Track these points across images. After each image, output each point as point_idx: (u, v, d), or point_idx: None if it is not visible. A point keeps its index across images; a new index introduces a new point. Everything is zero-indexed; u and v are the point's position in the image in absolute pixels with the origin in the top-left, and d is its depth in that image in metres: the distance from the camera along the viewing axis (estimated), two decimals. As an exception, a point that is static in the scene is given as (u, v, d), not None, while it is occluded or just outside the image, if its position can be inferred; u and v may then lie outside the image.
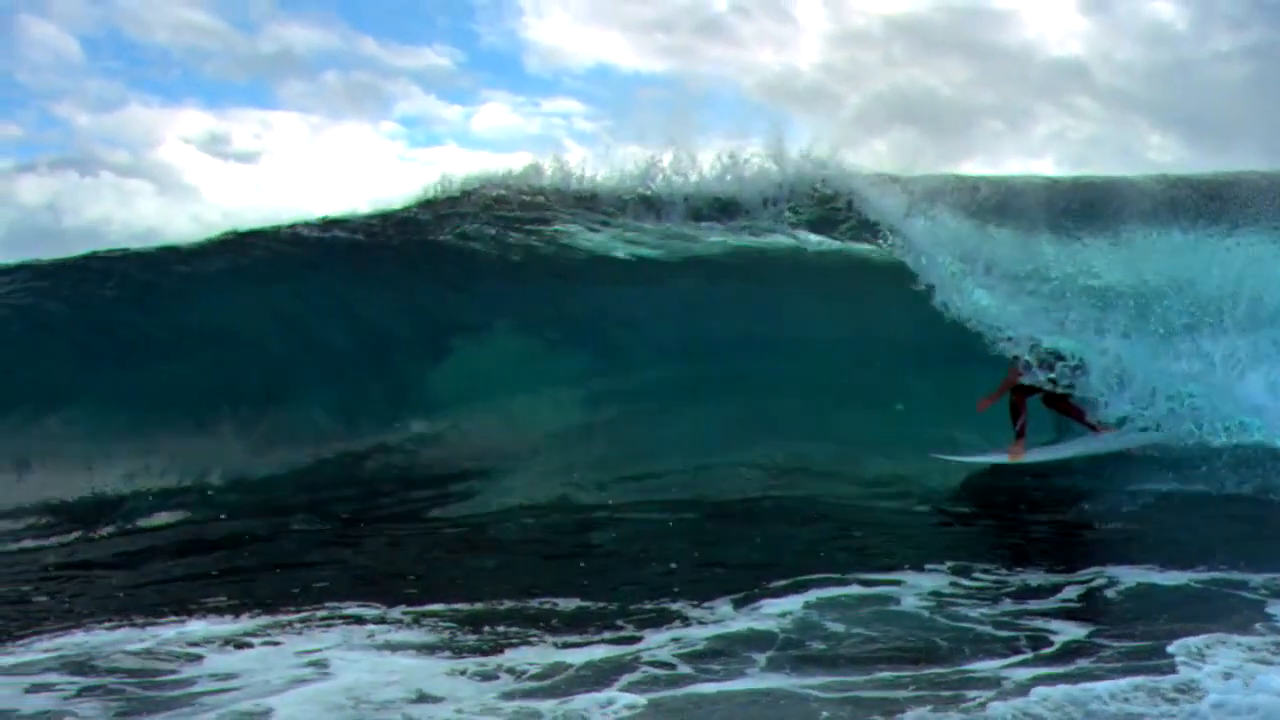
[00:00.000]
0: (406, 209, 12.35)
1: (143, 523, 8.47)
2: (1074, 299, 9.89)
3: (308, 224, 11.53)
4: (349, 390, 10.09)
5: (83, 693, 5.04)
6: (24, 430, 9.15)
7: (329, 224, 11.57)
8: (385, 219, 11.96)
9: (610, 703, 4.78)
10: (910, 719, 4.69)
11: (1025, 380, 9.26)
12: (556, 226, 11.85)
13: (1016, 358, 9.35)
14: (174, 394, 9.56)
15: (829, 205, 11.78)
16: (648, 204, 11.63)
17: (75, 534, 8.19)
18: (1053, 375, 9.30)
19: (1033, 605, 6.14)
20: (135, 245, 11.74)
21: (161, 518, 8.58)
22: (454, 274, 10.94)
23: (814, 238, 11.55)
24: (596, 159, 12.32)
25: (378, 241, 11.24)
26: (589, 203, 11.88)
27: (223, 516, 8.50)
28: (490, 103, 42.10)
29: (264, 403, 9.83)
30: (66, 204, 31.67)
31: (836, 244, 11.49)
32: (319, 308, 10.51)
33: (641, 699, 4.79)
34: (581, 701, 4.77)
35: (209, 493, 8.95)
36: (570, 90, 41.72)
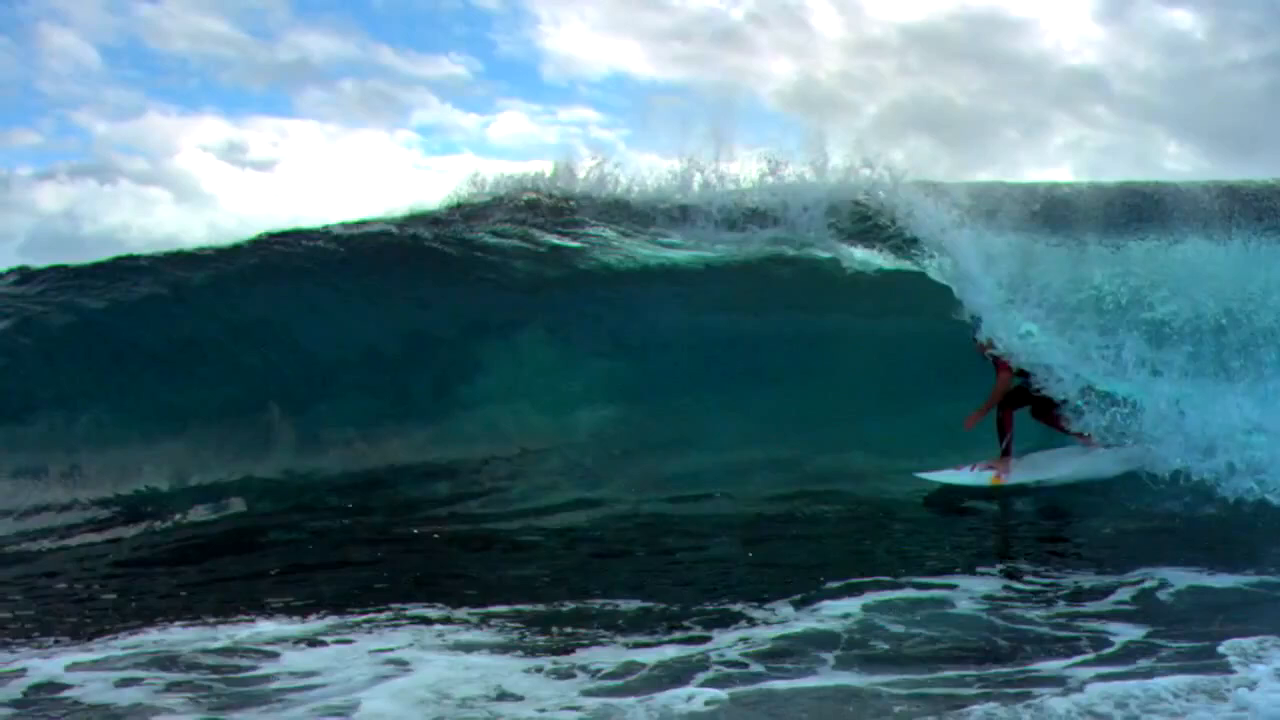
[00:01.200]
0: (441, 210, 12.44)
1: (194, 521, 8.58)
2: (1127, 332, 9.30)
3: (344, 225, 11.66)
4: (391, 392, 10.19)
5: (171, 688, 5.17)
6: (75, 429, 9.28)
7: (364, 224, 11.69)
8: (421, 219, 12.08)
9: (691, 698, 4.91)
10: (979, 713, 4.82)
11: (991, 352, 9.10)
12: (590, 230, 11.97)
13: (990, 341, 9.16)
14: (220, 394, 9.68)
15: (870, 220, 11.58)
16: (683, 211, 11.66)
17: (131, 532, 8.32)
18: (1041, 387, 9.01)
19: (1088, 607, 6.26)
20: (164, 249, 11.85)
21: (208, 516, 8.70)
22: (494, 277, 11.07)
23: (857, 253, 11.33)
24: (630, 164, 12.36)
25: (419, 243, 11.37)
26: (622, 208, 11.96)
27: (271, 517, 8.63)
28: (507, 111, 42.38)
29: (306, 404, 9.94)
30: (85, 211, 31.94)
31: (876, 259, 11.28)
32: (358, 309, 10.62)
33: (723, 693, 4.93)
34: (663, 698, 4.89)
35: (255, 493, 9.05)
36: (587, 99, 41.94)
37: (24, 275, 11.85)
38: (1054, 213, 10.99)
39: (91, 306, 10.61)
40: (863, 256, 11.20)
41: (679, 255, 11.71)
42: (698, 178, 11.88)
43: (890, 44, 39.55)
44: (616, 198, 12.21)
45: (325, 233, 11.75)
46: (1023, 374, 9.14)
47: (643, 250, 11.74)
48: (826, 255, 11.30)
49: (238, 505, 8.76)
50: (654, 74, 40.92)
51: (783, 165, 11.92)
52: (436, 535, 8.18)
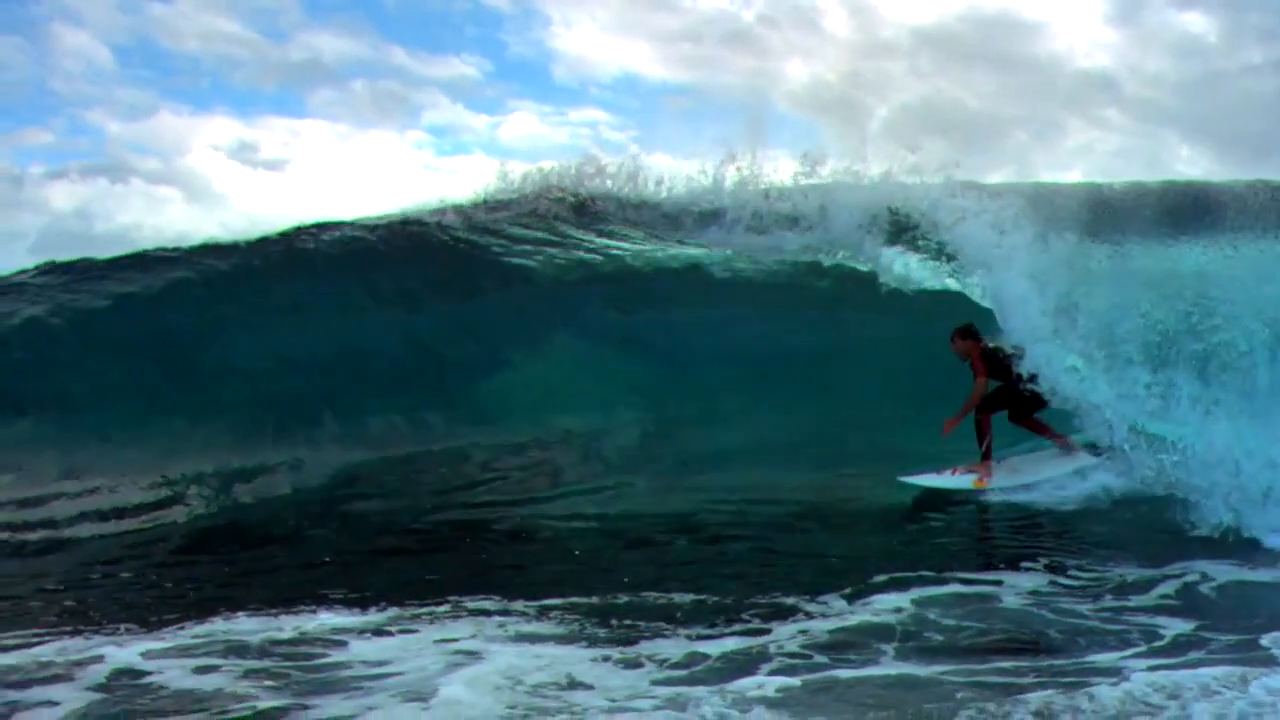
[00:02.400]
0: (469, 205, 12.56)
1: (242, 510, 8.70)
2: (1177, 365, 8.71)
3: (379, 220, 11.77)
4: (429, 386, 10.30)
5: (249, 675, 5.28)
6: (121, 417, 9.38)
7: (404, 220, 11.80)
8: (453, 213, 12.20)
9: (762, 686, 5.04)
10: (1037, 701, 4.95)
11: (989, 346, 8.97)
12: (623, 231, 12.11)
13: (968, 326, 9.03)
14: (263, 386, 9.82)
15: (907, 230, 11.36)
16: (713, 213, 11.69)
17: (182, 521, 8.45)
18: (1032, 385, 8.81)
19: (1134, 601, 6.40)
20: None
21: (254, 506, 8.81)
22: (527, 269, 11.21)
23: (895, 265, 11.07)
24: (658, 164, 12.36)
25: (451, 236, 11.51)
26: (653, 208, 12.06)
27: (315, 507, 8.74)
28: (517, 112, 42.66)
29: (342, 400, 10.06)
30: (97, 210, 32.12)
31: (915, 270, 11.04)
32: (394, 302, 10.78)
33: (795, 680, 5.06)
34: (735, 686, 5.02)
35: (299, 483, 9.15)
36: (597, 100, 42.24)
37: (54, 268, 11.96)
38: (1101, 217, 10.62)
39: (130, 296, 10.72)
40: (901, 270, 10.96)
41: (703, 253, 11.83)
42: (731, 177, 11.83)
43: (901, 46, 39.75)
44: (645, 198, 12.28)
45: (353, 226, 11.89)
46: (1008, 376, 9.04)
47: (670, 250, 11.86)
48: (865, 267, 11.18)
49: (284, 495, 8.88)
50: (664, 75, 41.20)
51: (820, 163, 11.89)
52: (481, 528, 8.31)
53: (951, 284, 10.71)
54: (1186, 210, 10.88)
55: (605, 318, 10.81)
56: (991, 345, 9.09)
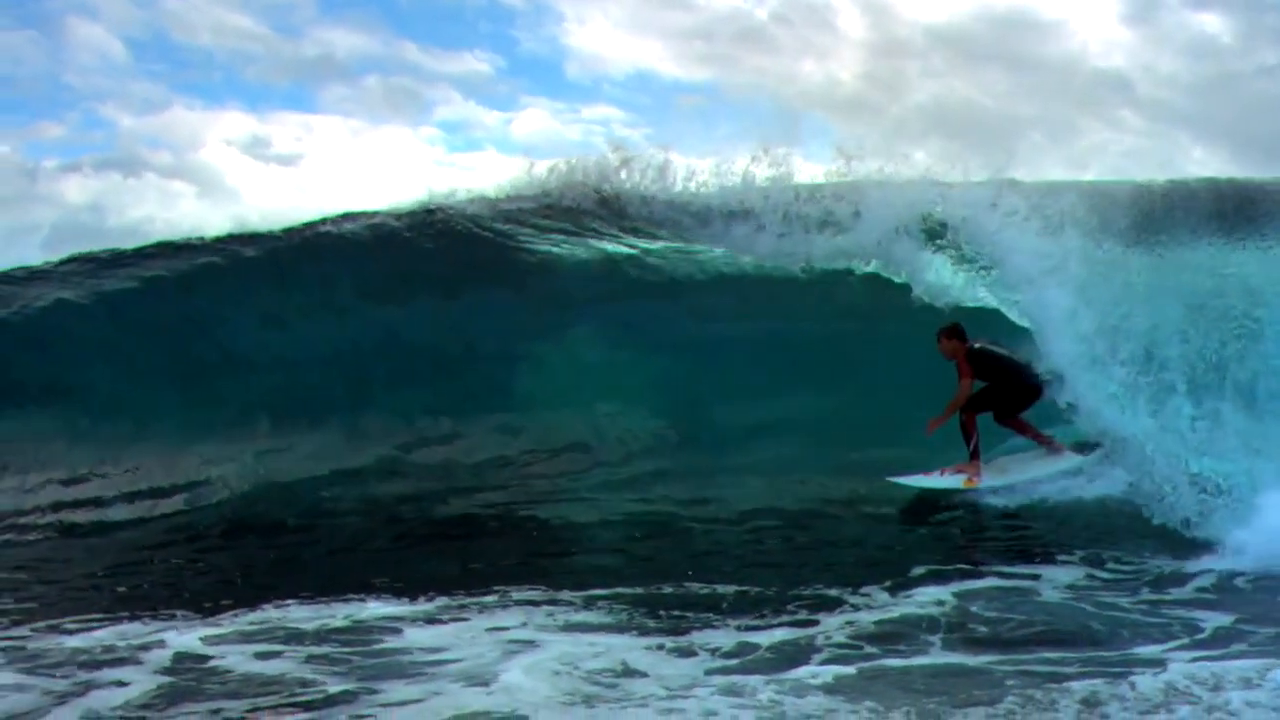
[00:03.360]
0: (494, 199, 12.61)
1: (279, 500, 8.77)
2: (1223, 394, 8.29)
3: (412, 209, 11.86)
4: (459, 379, 10.37)
5: (311, 659, 5.39)
6: (161, 409, 9.48)
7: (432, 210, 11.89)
8: (479, 203, 12.30)
9: (816, 675, 5.14)
10: (1084, 690, 5.04)
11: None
12: (646, 226, 12.18)
13: (955, 326, 8.90)
14: (298, 379, 9.92)
15: (940, 239, 10.87)
16: (744, 212, 11.64)
17: (225, 509, 8.61)
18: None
19: (1172, 594, 6.51)
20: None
21: (287, 497, 8.87)
22: (557, 264, 11.31)
23: (929, 272, 10.62)
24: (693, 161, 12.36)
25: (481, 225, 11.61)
26: (683, 206, 12.10)
27: (351, 500, 8.83)
28: (530, 109, 42.65)
29: (366, 393, 10.14)
30: (110, 204, 32.21)
31: (948, 278, 10.57)
32: (437, 293, 10.87)
33: (850, 669, 5.16)
34: (791, 675, 5.13)
35: (334, 474, 9.20)
36: (610, 97, 42.26)
37: (84, 260, 12.01)
38: (1143, 219, 10.14)
39: (160, 283, 10.74)
40: (935, 280, 10.55)
41: (733, 248, 11.86)
42: (761, 175, 11.78)
43: (915, 45, 39.73)
44: (672, 194, 12.33)
45: (388, 215, 11.97)
46: (994, 376, 8.98)
47: (698, 246, 11.93)
48: (899, 279, 10.85)
49: (322, 483, 8.97)
50: (677, 73, 41.22)
51: (856, 157, 11.60)
52: (519, 519, 8.44)
53: (987, 298, 10.41)
54: (1229, 212, 10.57)
55: (635, 309, 10.86)
56: (977, 345, 9.03)
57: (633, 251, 11.66)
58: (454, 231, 11.63)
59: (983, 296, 10.47)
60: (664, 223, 11.97)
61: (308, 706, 4.73)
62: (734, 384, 10.21)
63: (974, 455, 8.97)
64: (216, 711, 4.67)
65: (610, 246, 11.80)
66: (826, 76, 36.47)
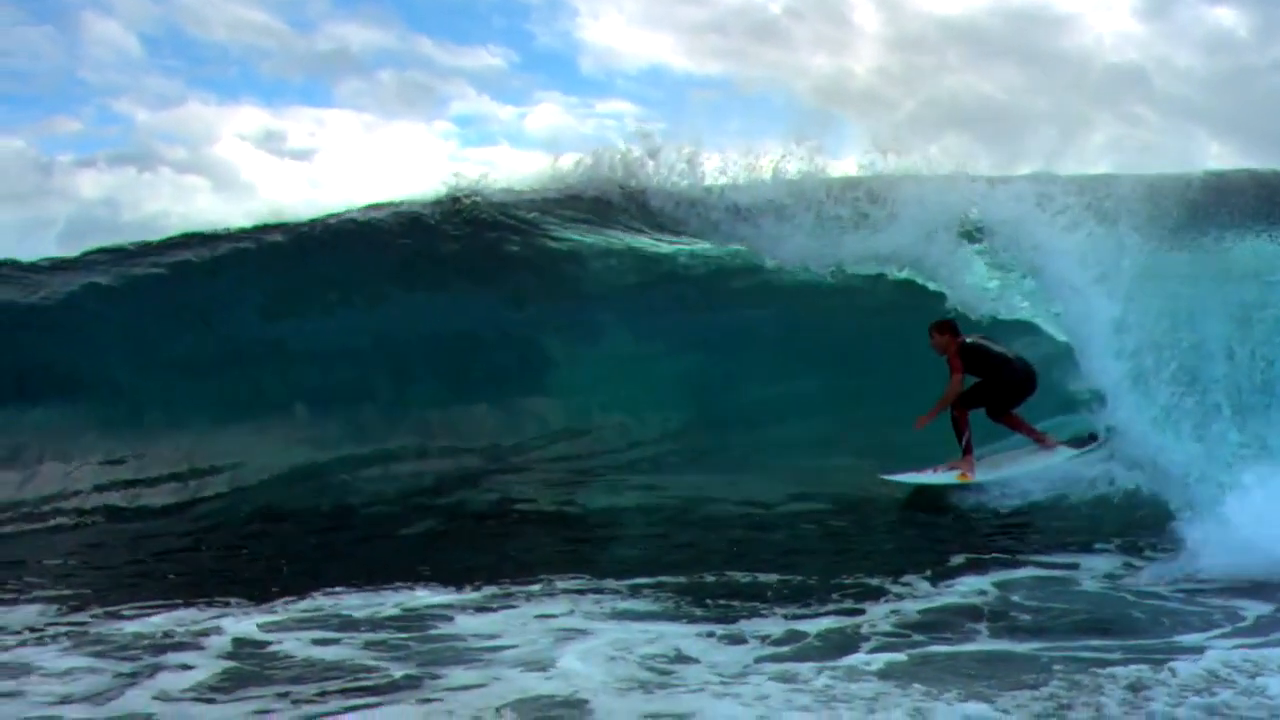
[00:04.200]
0: (519, 191, 12.65)
1: (315, 491, 8.87)
2: (1270, 418, 8.02)
3: (439, 198, 11.92)
4: (481, 373, 10.44)
5: (369, 646, 5.48)
6: (199, 396, 9.56)
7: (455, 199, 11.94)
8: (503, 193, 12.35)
9: (868, 663, 5.22)
10: (1129, 675, 5.11)
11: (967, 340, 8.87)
12: (669, 221, 12.23)
13: (947, 321, 8.97)
14: (331, 373, 9.98)
15: (979, 239, 10.83)
16: (777, 210, 11.58)
17: (265, 496, 8.73)
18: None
19: (1213, 583, 6.57)
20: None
21: (324, 489, 8.96)
22: (585, 257, 11.38)
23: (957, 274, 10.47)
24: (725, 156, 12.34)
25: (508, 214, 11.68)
26: (711, 202, 12.10)
27: (390, 489, 8.94)
28: (544, 103, 42.63)
29: (400, 380, 10.21)
30: (125, 199, 32.35)
31: (983, 279, 10.54)
32: (472, 288, 10.93)
33: (900, 656, 5.25)
34: (843, 662, 5.21)
35: (369, 466, 9.31)
36: (623, 92, 42.24)
37: (111, 253, 12.07)
38: (1186, 214, 9.69)
39: (188, 271, 10.80)
40: (973, 280, 10.44)
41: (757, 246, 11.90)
42: (792, 169, 11.75)
43: (929, 39, 39.63)
44: (694, 195, 12.34)
45: (418, 204, 12.02)
46: (987, 372, 8.97)
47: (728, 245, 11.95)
48: (932, 285, 10.76)
49: (360, 473, 9.08)
50: (691, 67, 41.22)
51: (889, 150, 11.56)
52: (554, 509, 8.52)
53: (1023, 307, 10.30)
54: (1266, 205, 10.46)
55: (668, 298, 10.93)
56: (969, 340, 9.06)
57: (659, 245, 11.71)
58: (480, 220, 11.67)
59: (1019, 305, 10.38)
60: (687, 220, 11.96)
61: (374, 690, 4.82)
62: (763, 373, 10.28)
63: (966, 450, 8.99)
64: (285, 694, 4.76)
65: (635, 240, 11.86)
66: (840, 70, 36.41)
